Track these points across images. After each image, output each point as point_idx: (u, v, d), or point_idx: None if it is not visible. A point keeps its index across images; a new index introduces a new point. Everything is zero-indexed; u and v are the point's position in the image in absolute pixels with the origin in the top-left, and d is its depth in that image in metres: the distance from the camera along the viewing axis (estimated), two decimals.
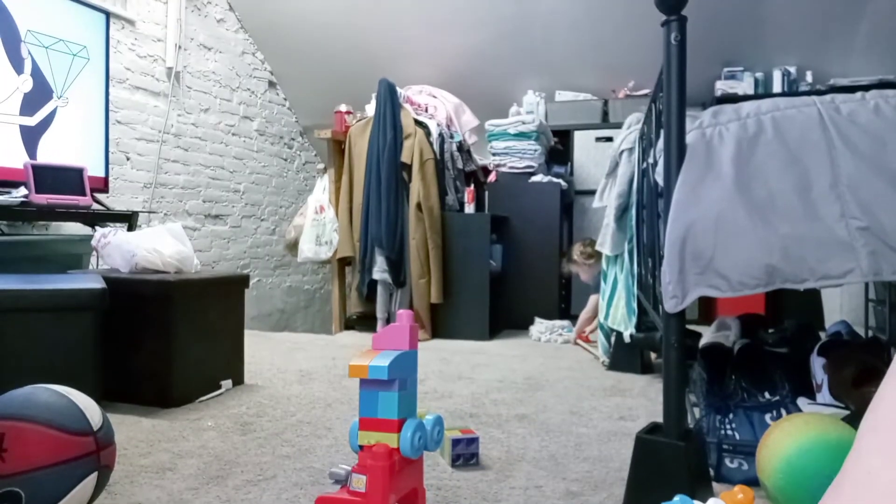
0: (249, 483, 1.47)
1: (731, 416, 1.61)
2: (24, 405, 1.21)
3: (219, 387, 2.28)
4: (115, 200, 3.71)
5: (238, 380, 2.41)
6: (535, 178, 4.15)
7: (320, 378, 2.57)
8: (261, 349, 3.15)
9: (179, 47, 4.24)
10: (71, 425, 1.20)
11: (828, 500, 0.47)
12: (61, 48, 3.17)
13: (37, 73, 3.06)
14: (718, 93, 4.36)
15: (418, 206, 3.64)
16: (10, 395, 1.25)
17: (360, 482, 0.99)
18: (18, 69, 2.98)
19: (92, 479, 1.21)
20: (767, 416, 1.58)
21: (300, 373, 2.65)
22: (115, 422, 1.45)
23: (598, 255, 3.11)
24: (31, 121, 3.04)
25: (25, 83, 3.00)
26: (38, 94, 3.07)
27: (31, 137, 3.04)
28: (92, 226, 3.18)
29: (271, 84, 5.26)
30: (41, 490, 1.15)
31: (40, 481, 1.15)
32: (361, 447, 1.04)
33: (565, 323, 3.75)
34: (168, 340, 2.10)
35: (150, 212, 3.97)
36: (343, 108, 4.10)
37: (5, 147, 2.92)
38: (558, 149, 4.61)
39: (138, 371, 2.11)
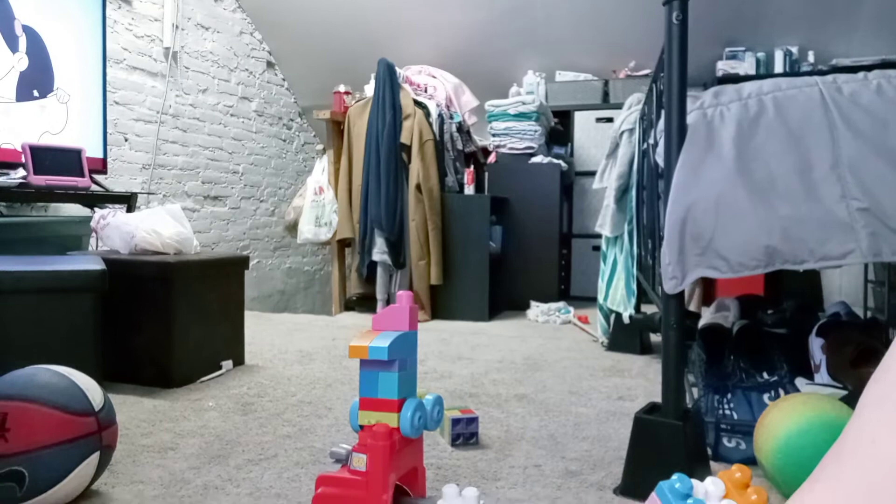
0: (251, 462, 1.49)
1: (729, 396, 1.62)
2: (26, 386, 1.21)
3: (219, 367, 2.29)
4: (113, 182, 3.70)
5: (238, 360, 2.42)
6: (535, 159, 4.14)
7: (320, 358, 2.58)
8: (261, 330, 3.16)
9: (176, 27, 4.21)
10: (72, 405, 1.21)
11: (826, 466, 0.47)
12: (57, 28, 3.14)
13: (33, 52, 3.03)
14: (720, 73, 4.33)
15: (418, 187, 3.63)
16: (12, 375, 1.25)
17: (360, 461, 1.00)
18: (13, 47, 2.95)
19: (94, 458, 1.22)
20: (765, 396, 1.59)
21: (300, 353, 2.66)
22: (117, 402, 1.46)
23: None
24: (28, 101, 3.02)
25: (21, 61, 2.98)
26: (35, 74, 3.05)
27: (28, 118, 3.02)
28: (91, 207, 3.17)
29: (270, 64, 5.22)
30: (44, 469, 1.16)
31: (43, 461, 1.16)
32: (362, 427, 1.04)
33: (561, 305, 3.75)
34: (168, 321, 2.10)
35: (148, 193, 3.97)
36: (342, 88, 4.08)
37: (3, 127, 2.91)
38: (558, 129, 4.59)
39: (139, 352, 2.12)
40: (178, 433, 1.67)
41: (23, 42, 2.99)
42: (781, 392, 1.60)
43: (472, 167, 4.04)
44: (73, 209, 3.33)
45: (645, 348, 2.74)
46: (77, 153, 3.02)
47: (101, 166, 3.36)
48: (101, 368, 1.86)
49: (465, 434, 1.62)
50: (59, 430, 1.18)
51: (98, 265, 1.91)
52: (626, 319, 2.69)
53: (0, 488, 1.15)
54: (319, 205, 3.96)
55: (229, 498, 1.30)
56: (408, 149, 3.68)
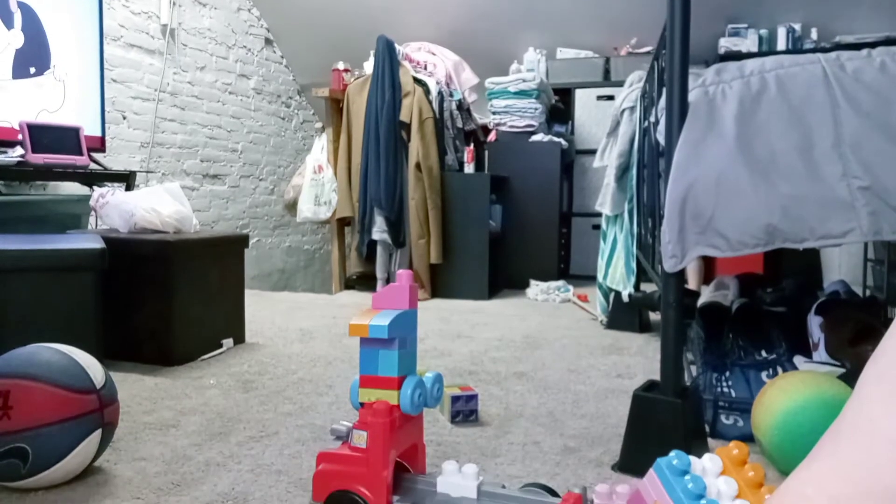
0: (252, 439, 1.50)
1: (727, 373, 1.63)
2: (28, 364, 1.22)
3: (220, 345, 2.30)
4: (112, 160, 3.68)
5: (239, 339, 2.43)
6: (535, 138, 4.12)
7: (321, 337, 2.59)
8: (261, 308, 3.17)
9: (174, 3, 4.16)
10: (74, 383, 1.22)
11: (825, 445, 0.47)
12: (53, 4, 3.11)
13: (29, 30, 3.00)
14: (722, 50, 4.30)
15: (417, 165, 3.61)
16: (14, 353, 1.26)
17: (360, 438, 1.01)
18: (8, 24, 2.92)
19: (96, 435, 1.23)
20: (763, 374, 1.60)
21: (301, 331, 2.67)
22: (118, 380, 1.47)
23: None
24: (25, 79, 3.00)
25: (17, 38, 2.95)
26: (32, 51, 3.02)
27: (25, 96, 3.00)
28: (90, 185, 3.16)
29: (268, 41, 5.17)
30: (47, 446, 1.17)
31: (46, 438, 1.17)
32: (362, 404, 1.05)
33: (560, 283, 3.76)
34: (168, 300, 2.11)
35: (147, 171, 3.95)
36: (341, 65, 4.04)
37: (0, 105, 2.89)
38: (559, 107, 4.56)
39: (139, 330, 2.13)
40: (180, 411, 1.69)
41: (18, 18, 2.96)
42: (780, 370, 1.61)
43: (471, 145, 4.02)
44: (72, 188, 3.32)
45: (644, 326, 2.75)
46: (75, 131, 3.00)
47: (99, 144, 3.34)
48: (102, 346, 1.87)
49: (465, 411, 1.63)
50: (61, 407, 1.19)
51: (98, 244, 1.91)
52: (625, 298, 2.70)
53: (4, 465, 1.16)
54: (319, 183, 3.95)
55: (231, 475, 1.31)
56: (407, 127, 3.66)
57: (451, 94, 3.97)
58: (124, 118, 3.87)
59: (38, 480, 1.19)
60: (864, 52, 1.32)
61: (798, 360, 1.69)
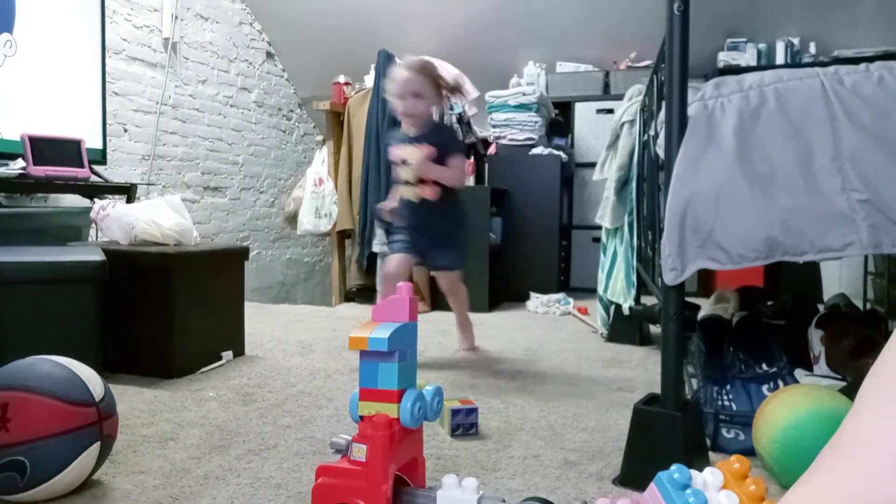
0: (251, 452, 1.49)
1: (728, 387, 1.62)
2: (27, 376, 1.22)
3: (220, 358, 2.30)
4: (113, 172, 3.69)
5: (239, 351, 2.42)
6: (535, 151, 4.13)
7: (320, 349, 2.58)
8: (261, 321, 3.16)
9: (176, 17, 4.19)
10: (73, 396, 1.21)
11: (825, 458, 0.47)
12: (56, 19, 3.13)
13: (31, 43, 3.02)
14: (721, 64, 4.32)
15: None
16: (13, 366, 1.26)
17: (360, 452, 1.00)
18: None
19: (95, 448, 1.23)
20: (764, 388, 1.60)
21: (300, 344, 2.66)
22: (117, 393, 1.47)
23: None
24: (27, 92, 3.01)
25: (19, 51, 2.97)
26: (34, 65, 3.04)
27: (27, 108, 3.01)
28: (91, 198, 3.17)
29: (269, 55, 5.20)
30: (45, 459, 1.16)
31: (44, 451, 1.16)
32: (362, 417, 1.04)
33: (560, 296, 3.76)
34: (168, 312, 2.10)
35: (148, 184, 3.96)
36: (342, 79, 4.07)
37: (2, 117, 2.90)
38: (559, 121, 4.58)
39: (139, 342, 2.12)
40: (179, 423, 1.68)
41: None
42: (780, 383, 1.61)
43: (472, 158, 4.04)
44: (73, 200, 3.33)
45: (644, 339, 2.75)
46: (76, 144, 3.01)
47: (100, 157, 3.35)
48: (102, 359, 1.87)
49: (465, 425, 1.62)
50: (59, 420, 1.18)
51: (98, 256, 1.91)
52: (625, 311, 2.70)
53: (2, 478, 1.15)
54: (319, 196, 3.96)
55: (230, 488, 1.30)
56: None
57: (451, 108, 3.99)
58: (125, 131, 3.89)
59: (35, 494, 1.18)
60: (863, 66, 1.33)
61: (799, 373, 1.69)
